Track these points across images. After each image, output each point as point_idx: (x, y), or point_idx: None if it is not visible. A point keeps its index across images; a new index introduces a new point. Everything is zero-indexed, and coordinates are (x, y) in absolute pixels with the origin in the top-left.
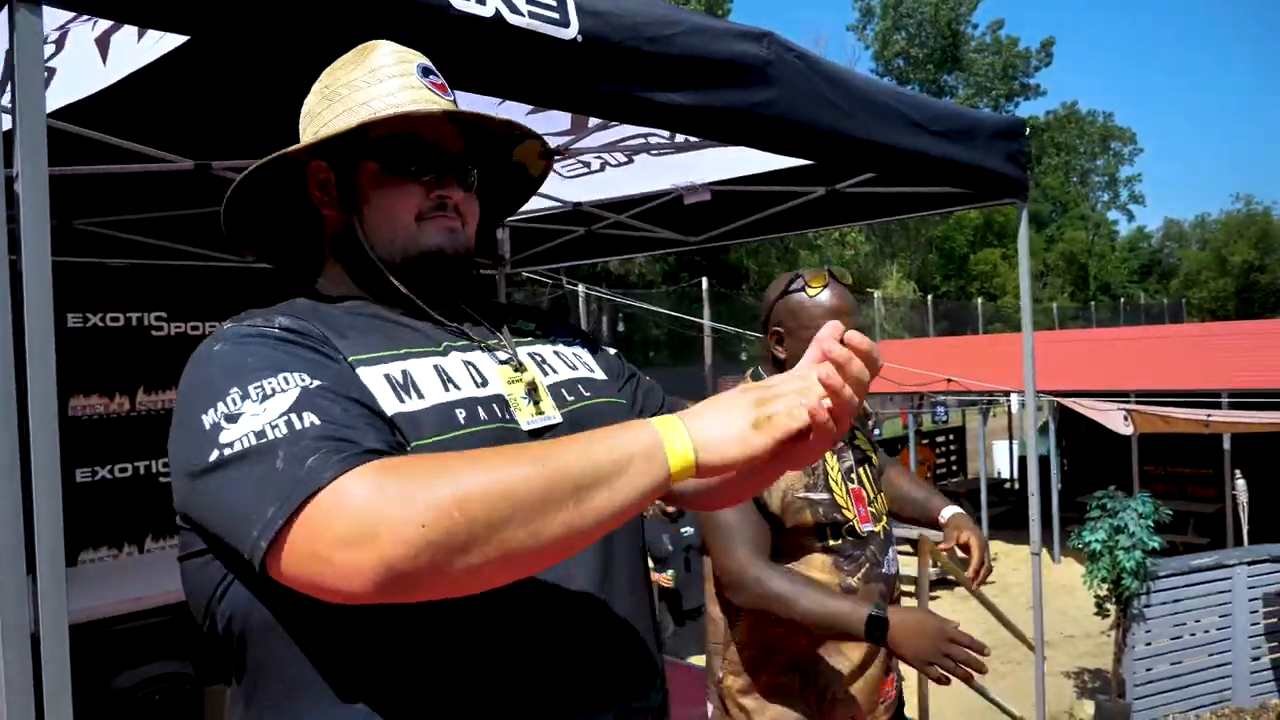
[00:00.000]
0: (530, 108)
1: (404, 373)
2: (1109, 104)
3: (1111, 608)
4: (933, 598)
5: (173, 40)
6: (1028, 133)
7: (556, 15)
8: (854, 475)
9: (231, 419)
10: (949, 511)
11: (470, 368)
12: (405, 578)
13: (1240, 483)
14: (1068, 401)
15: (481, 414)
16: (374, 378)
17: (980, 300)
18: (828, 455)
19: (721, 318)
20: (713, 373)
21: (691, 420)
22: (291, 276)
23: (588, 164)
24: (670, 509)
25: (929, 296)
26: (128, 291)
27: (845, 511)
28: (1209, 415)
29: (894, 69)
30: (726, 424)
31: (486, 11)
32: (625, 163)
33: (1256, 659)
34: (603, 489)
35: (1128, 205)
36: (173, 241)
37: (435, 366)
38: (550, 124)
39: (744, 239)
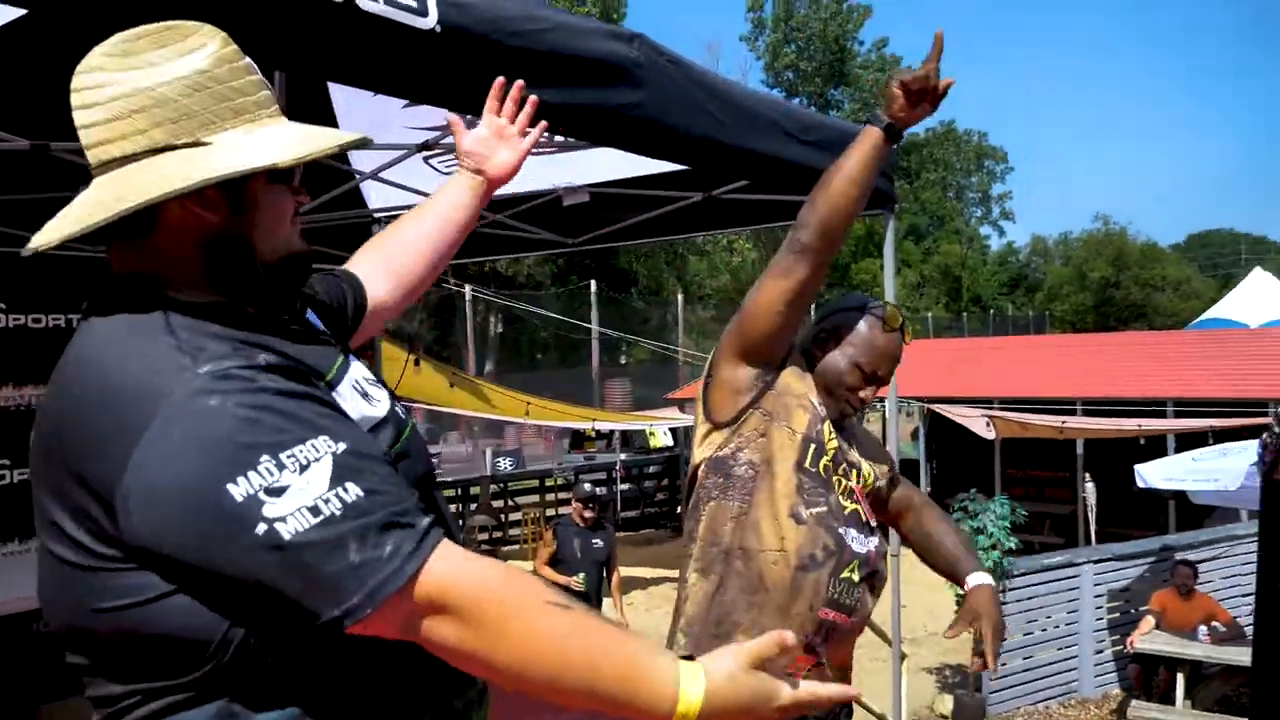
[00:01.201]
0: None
1: (357, 380)
2: (983, 124)
3: None
4: None
5: (9, 13)
6: (900, 146)
7: (414, 4)
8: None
9: (274, 492)
10: (976, 580)
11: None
12: (464, 663)
13: (1090, 486)
14: (936, 407)
15: (396, 419)
16: (347, 391)
17: None
18: (828, 427)
19: (610, 321)
20: (599, 376)
21: (713, 696)
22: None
23: None
24: (588, 514)
25: (812, 306)
26: None
27: (830, 459)
28: (1064, 422)
29: (784, 81)
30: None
31: None
32: None
33: (1100, 652)
34: (605, 694)
35: (999, 221)
36: (11, 227)
37: (352, 376)
38: (426, 117)
39: (623, 242)
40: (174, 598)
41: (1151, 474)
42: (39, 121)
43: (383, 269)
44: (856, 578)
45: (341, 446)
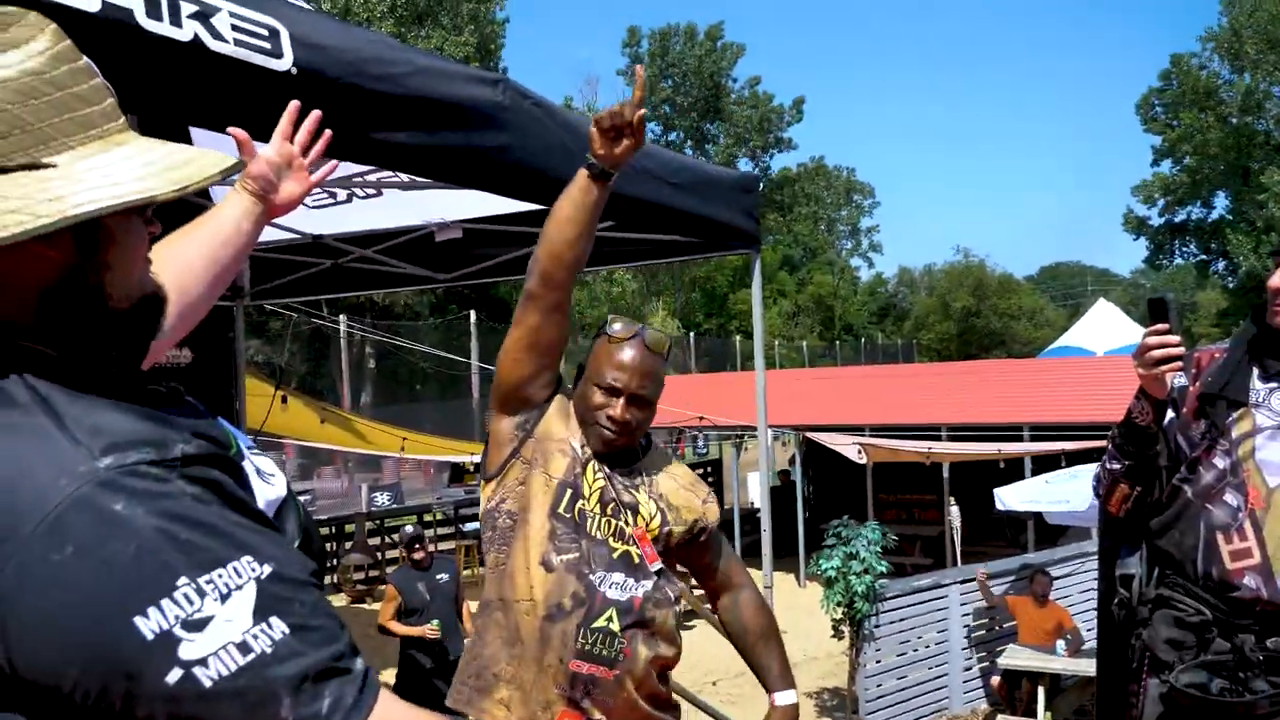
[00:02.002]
0: None
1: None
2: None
3: (846, 629)
4: (688, 627)
5: None
6: (775, 186)
7: (268, 45)
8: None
9: (193, 626)
10: (782, 700)
11: None
12: None
13: (954, 509)
14: (811, 435)
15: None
16: (249, 471)
17: (739, 338)
18: (592, 468)
19: (490, 351)
20: (479, 407)
21: None
22: None
23: (334, 194)
24: (418, 556)
25: (692, 334)
26: None
27: (588, 503)
28: (930, 447)
29: (659, 114)
30: None
31: (184, 35)
32: (374, 195)
33: (968, 669)
34: None
35: (868, 253)
36: None
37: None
38: None
39: (496, 278)
40: None
41: (1010, 497)
42: None
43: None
44: (616, 626)
45: (267, 570)
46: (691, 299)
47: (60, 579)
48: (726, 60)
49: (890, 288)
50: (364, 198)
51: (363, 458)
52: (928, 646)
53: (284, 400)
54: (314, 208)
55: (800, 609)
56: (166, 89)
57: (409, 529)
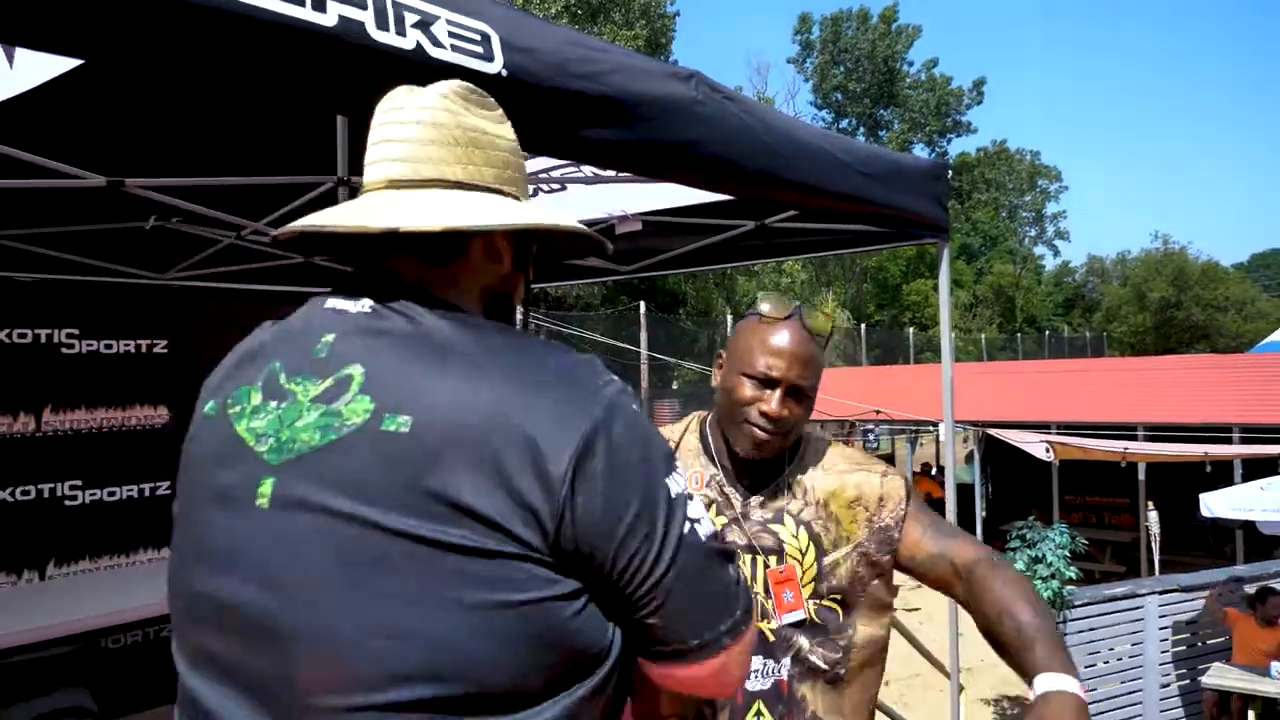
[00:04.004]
0: None
1: None
2: (1036, 143)
3: None
4: None
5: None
6: (952, 173)
7: (480, 50)
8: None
9: (688, 496)
10: (1048, 684)
11: None
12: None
13: (1153, 514)
14: (992, 431)
15: None
16: None
17: (912, 330)
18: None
19: (658, 342)
20: (649, 398)
21: None
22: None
23: None
24: None
25: (863, 325)
26: (37, 307)
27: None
28: (1126, 447)
29: (832, 102)
30: None
31: (408, 44)
32: (558, 189)
33: (1166, 686)
34: None
35: (1053, 241)
36: (86, 256)
37: None
38: None
39: (675, 270)
40: (589, 596)
41: (1217, 503)
42: (114, 159)
43: None
44: (768, 717)
45: None
46: (863, 289)
47: (620, 445)
48: (901, 43)
49: (1078, 277)
50: (549, 192)
51: None
52: (1119, 660)
53: None
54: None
55: None
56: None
57: None
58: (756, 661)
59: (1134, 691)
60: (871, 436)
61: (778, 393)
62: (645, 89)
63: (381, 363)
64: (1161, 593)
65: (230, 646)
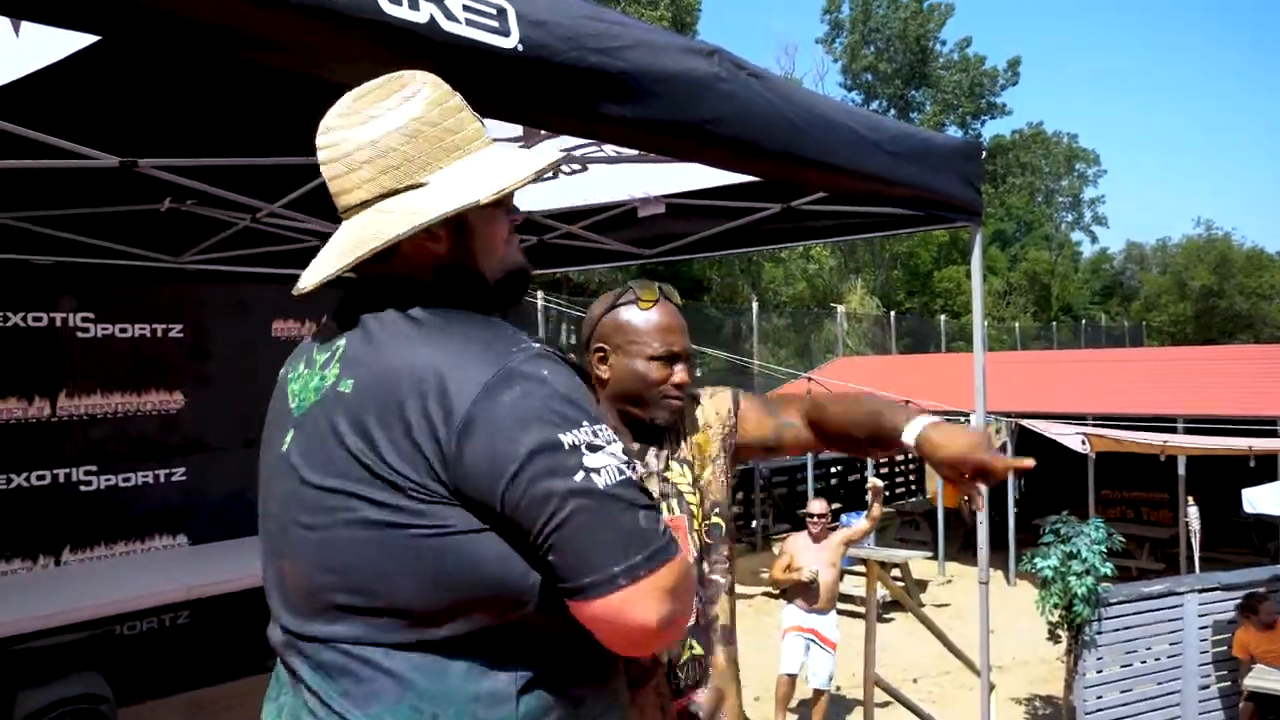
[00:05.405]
0: None
1: None
2: (1073, 125)
3: (1063, 634)
4: (885, 619)
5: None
6: (986, 155)
7: (496, 24)
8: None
9: (591, 448)
10: (918, 427)
11: None
12: (657, 642)
13: (1193, 510)
14: (1025, 422)
15: None
16: None
17: (943, 318)
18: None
19: None
20: None
21: None
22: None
23: None
24: None
25: (892, 313)
26: (52, 290)
27: None
28: (1165, 440)
29: (862, 83)
30: None
31: (421, 18)
32: (579, 170)
33: (1205, 687)
34: None
35: (1091, 227)
36: (101, 239)
37: None
38: (502, 129)
39: (699, 254)
40: (487, 534)
41: (1262, 499)
42: (126, 138)
43: None
44: (700, 649)
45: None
46: (892, 276)
47: (514, 401)
48: (934, 21)
49: (1116, 264)
50: (569, 173)
51: None
52: (1157, 659)
53: None
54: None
55: (1009, 609)
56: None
57: None
58: None
59: (1172, 694)
60: None
61: (681, 365)
62: (665, 65)
63: (353, 339)
64: (1201, 591)
65: (267, 546)
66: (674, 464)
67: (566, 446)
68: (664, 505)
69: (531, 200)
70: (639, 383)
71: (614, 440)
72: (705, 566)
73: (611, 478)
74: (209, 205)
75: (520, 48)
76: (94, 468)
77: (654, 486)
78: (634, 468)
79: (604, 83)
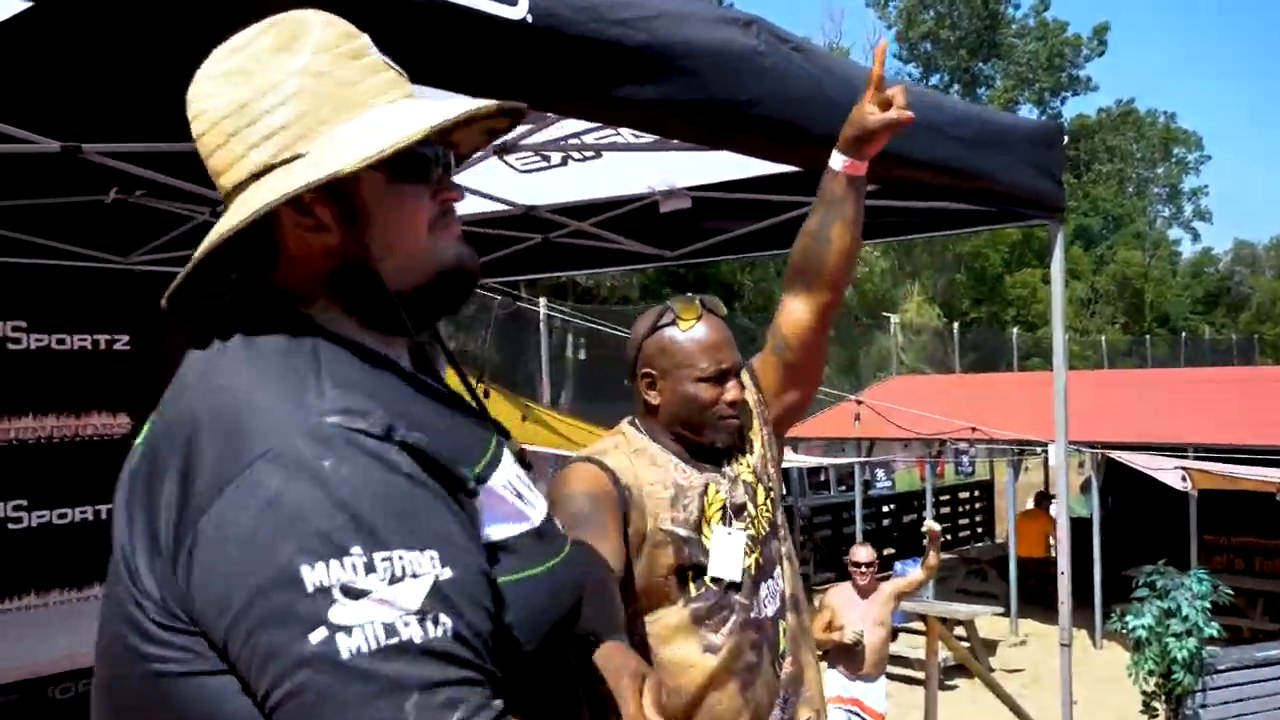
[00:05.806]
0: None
1: (509, 481)
2: (1172, 103)
3: (1160, 706)
4: (948, 687)
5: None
6: (1067, 139)
7: None
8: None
9: (350, 593)
10: (836, 154)
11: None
12: None
13: None
14: (1115, 454)
15: (555, 534)
16: (498, 487)
17: (1016, 330)
18: (711, 488)
19: None
20: None
21: None
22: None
23: (547, 158)
24: None
25: (955, 324)
26: None
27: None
28: None
29: (920, 54)
30: None
31: None
32: (592, 157)
33: None
34: None
35: (1192, 223)
36: (38, 236)
37: (505, 473)
38: None
39: (729, 255)
40: (224, 676)
41: None
42: (69, 121)
43: None
44: (782, 646)
45: (447, 574)
46: (956, 281)
47: (266, 506)
48: None
49: (1223, 267)
50: (580, 160)
51: (560, 459)
52: None
53: (486, 394)
54: (524, 171)
55: (1095, 676)
56: (401, 44)
57: None
58: (767, 588)
59: None
60: (965, 459)
61: (733, 381)
62: (694, 37)
63: (175, 382)
64: None
65: None
66: (746, 473)
67: (309, 587)
68: (746, 505)
69: (536, 193)
70: (691, 407)
71: (414, 575)
72: (777, 544)
73: (368, 642)
74: (161, 197)
75: (529, 17)
76: (23, 502)
77: (739, 492)
78: (436, 619)
79: (623, 57)
